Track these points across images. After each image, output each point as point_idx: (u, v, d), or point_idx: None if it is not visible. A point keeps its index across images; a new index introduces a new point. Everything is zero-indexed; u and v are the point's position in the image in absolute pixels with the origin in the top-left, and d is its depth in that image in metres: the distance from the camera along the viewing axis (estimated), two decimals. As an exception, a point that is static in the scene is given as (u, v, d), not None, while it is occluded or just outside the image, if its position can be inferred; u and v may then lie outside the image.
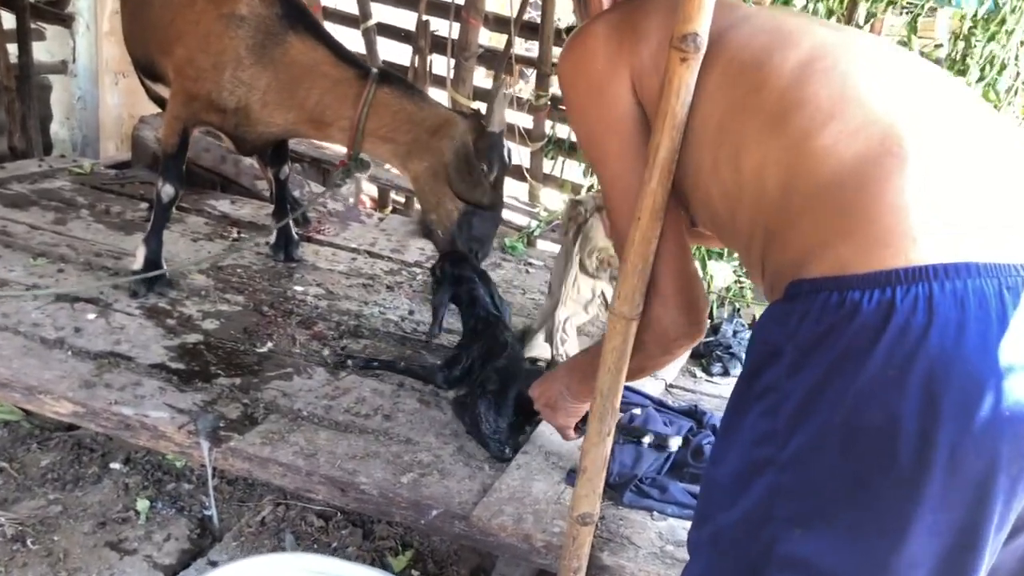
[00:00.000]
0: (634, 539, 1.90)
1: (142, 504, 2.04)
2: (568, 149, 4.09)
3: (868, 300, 1.08)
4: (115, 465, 2.20)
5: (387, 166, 3.81)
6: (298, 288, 2.91)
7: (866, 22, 2.77)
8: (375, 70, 2.58)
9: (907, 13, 2.79)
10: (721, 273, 3.29)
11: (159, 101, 3.21)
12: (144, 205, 3.45)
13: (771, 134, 1.22)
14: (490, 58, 4.18)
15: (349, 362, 2.43)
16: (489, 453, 2.09)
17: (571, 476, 1.99)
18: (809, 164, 1.18)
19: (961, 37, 2.78)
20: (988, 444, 1.04)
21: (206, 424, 2.07)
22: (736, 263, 3.40)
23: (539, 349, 2.48)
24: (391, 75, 2.62)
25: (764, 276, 1.30)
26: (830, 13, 2.69)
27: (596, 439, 1.59)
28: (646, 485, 2.03)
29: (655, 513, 1.98)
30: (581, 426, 1.89)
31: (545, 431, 2.16)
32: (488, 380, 2.10)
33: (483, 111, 2.57)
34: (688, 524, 1.94)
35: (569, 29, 1.58)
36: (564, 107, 1.50)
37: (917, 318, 1.06)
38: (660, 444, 2.06)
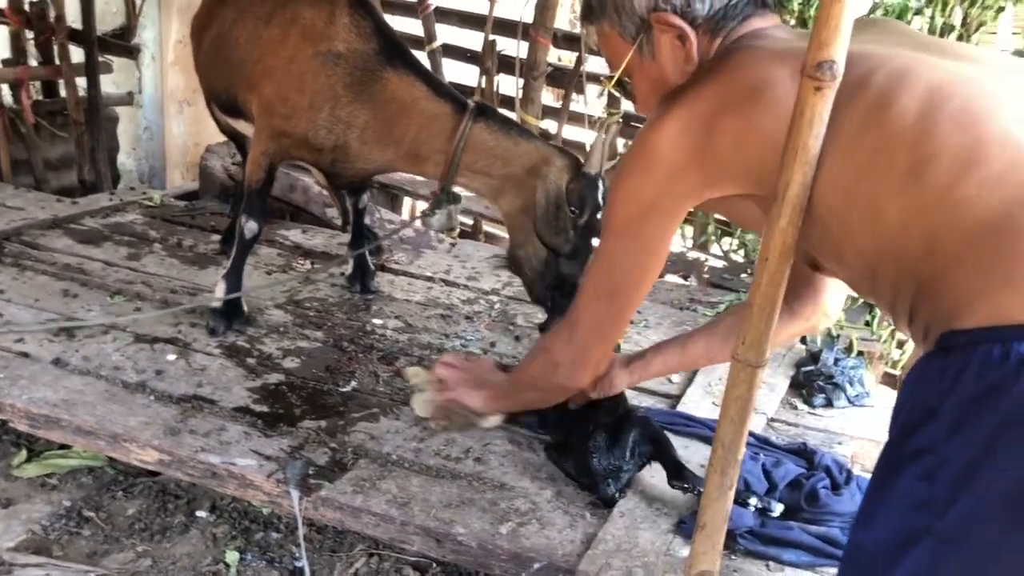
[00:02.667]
0: (751, 593, 1.78)
1: (232, 556, 1.98)
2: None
3: None
4: (201, 513, 2.14)
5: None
6: (376, 321, 2.84)
7: (976, 30, 2.62)
8: (472, 103, 2.50)
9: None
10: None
11: (231, 134, 3.18)
12: (216, 237, 3.42)
13: (908, 192, 1.14)
14: (559, 77, 4.10)
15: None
16: (596, 495, 1.98)
17: (682, 527, 1.88)
18: (955, 216, 1.10)
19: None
20: None
21: (295, 472, 2.00)
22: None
23: None
24: (488, 109, 2.54)
25: (912, 326, 1.21)
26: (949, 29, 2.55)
27: (716, 493, 1.48)
28: (758, 524, 1.91)
29: (771, 564, 1.86)
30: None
31: (645, 475, 2.05)
32: (597, 419, 2.00)
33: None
34: (805, 574, 1.85)
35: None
36: (617, 179, 1.52)
37: None
38: (764, 509, 1.94)
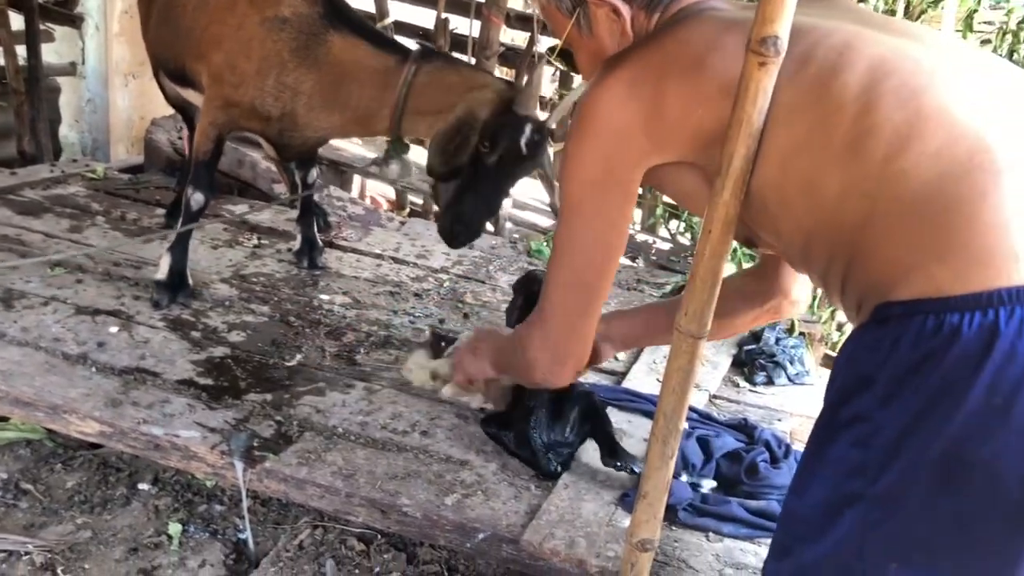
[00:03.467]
0: (691, 562, 1.82)
1: (174, 528, 1.96)
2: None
3: (968, 324, 1.02)
4: (143, 486, 2.12)
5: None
6: (324, 297, 2.83)
7: (918, 18, 2.68)
8: (415, 48, 2.46)
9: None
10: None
11: (179, 105, 3.14)
12: (160, 211, 3.37)
13: (847, 165, 1.15)
14: (511, 57, 4.09)
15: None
16: (537, 470, 2.00)
17: (625, 500, 1.91)
18: (891, 189, 1.12)
19: (1008, 32, 2.69)
20: None
21: (239, 444, 1.99)
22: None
23: None
24: (431, 51, 2.50)
25: (843, 296, 1.24)
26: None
27: (658, 462, 1.50)
28: (697, 497, 1.95)
29: (711, 534, 1.90)
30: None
31: (589, 449, 2.08)
32: (539, 393, 2.02)
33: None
34: (744, 545, 1.89)
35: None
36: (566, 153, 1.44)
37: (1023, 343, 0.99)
38: (694, 484, 1.98)
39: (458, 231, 2.40)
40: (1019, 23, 2.64)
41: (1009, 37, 2.66)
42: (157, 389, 2.18)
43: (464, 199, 2.35)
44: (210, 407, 2.13)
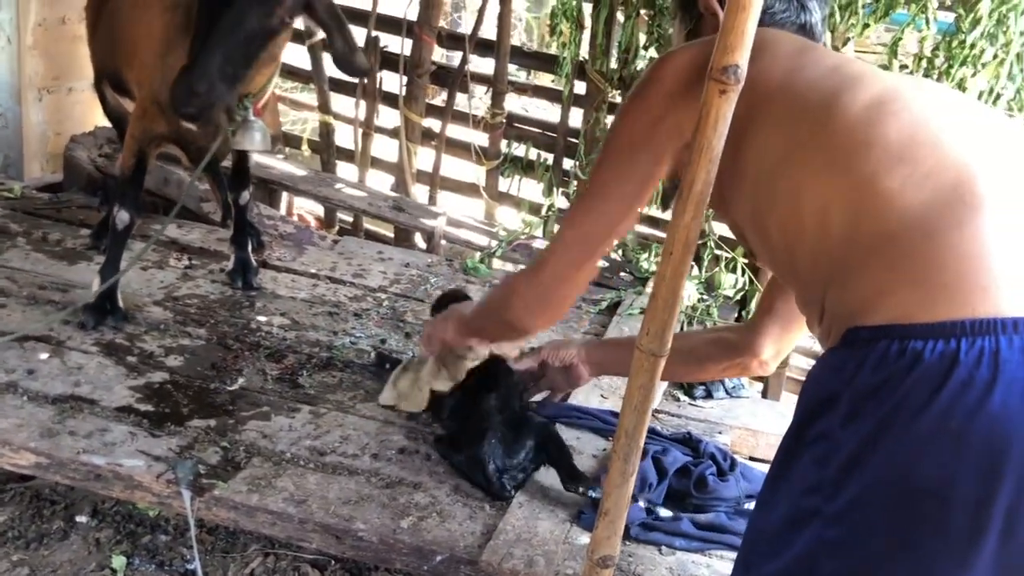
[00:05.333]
0: (646, 576, 1.85)
1: (118, 561, 1.90)
2: (524, 168, 4.03)
3: (930, 351, 1.05)
4: (81, 518, 2.05)
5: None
6: (261, 318, 2.77)
7: (844, 44, 2.79)
8: None
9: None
10: (686, 291, 3.29)
11: (116, 118, 3.07)
12: (85, 232, 3.25)
13: (835, 173, 1.20)
14: (444, 76, 4.10)
15: None
16: (489, 494, 2.00)
17: (582, 518, 1.93)
18: (875, 205, 1.16)
19: (923, 58, 2.82)
20: None
21: (186, 471, 1.94)
22: (698, 282, 3.42)
23: None
24: None
25: (822, 321, 1.27)
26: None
27: (619, 479, 1.52)
28: (651, 518, 1.99)
29: (663, 548, 1.94)
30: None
31: (541, 468, 2.09)
32: (491, 417, 2.02)
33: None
34: (697, 557, 1.94)
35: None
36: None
37: (981, 373, 1.02)
38: (649, 509, 2.01)
39: (177, 85, 2.15)
40: (933, 50, 2.78)
41: (924, 63, 2.80)
42: (95, 417, 2.11)
43: (198, 49, 2.15)
44: (152, 434, 2.07)
